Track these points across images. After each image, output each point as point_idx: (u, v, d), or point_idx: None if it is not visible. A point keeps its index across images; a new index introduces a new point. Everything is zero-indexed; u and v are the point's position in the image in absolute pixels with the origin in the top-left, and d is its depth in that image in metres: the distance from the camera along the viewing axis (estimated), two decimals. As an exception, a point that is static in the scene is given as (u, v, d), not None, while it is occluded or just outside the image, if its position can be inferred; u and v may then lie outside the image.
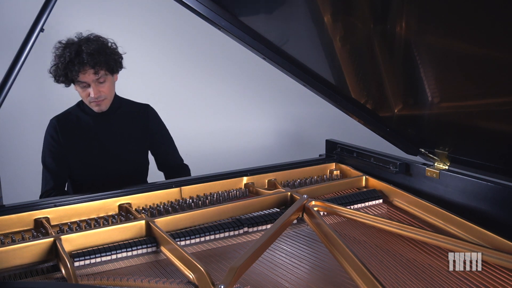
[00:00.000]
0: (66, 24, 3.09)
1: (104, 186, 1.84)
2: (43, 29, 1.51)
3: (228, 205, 1.68)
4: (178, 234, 1.53)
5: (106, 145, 2.09)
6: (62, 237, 1.43)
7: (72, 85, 2.01)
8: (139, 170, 2.18)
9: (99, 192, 1.76)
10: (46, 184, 2.07)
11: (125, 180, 1.99)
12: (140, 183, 2.00)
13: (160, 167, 2.28)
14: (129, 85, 2.69)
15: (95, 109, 2.03)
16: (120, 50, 2.04)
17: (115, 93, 2.10)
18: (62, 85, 2.02)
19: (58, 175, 2.06)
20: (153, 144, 2.21)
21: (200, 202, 1.79)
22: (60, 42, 1.98)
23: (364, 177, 1.93)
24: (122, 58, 2.04)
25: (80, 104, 2.11)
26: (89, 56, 1.91)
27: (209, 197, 1.82)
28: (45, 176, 2.08)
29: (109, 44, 2.01)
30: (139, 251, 1.46)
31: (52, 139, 2.05)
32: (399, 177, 1.89)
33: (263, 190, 1.85)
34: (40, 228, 1.59)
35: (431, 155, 1.80)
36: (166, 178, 2.26)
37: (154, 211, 1.70)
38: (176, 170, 2.25)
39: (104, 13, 3.26)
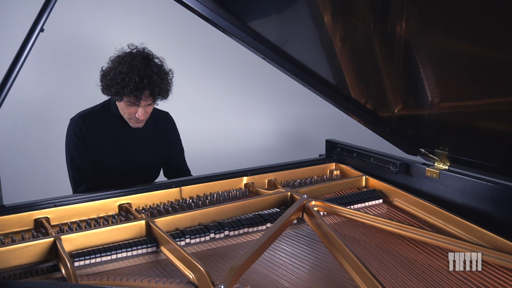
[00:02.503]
0: (66, 25, 3.09)
1: (114, 186, 1.84)
2: (43, 29, 1.51)
3: (228, 205, 1.68)
4: (178, 234, 1.53)
5: (129, 149, 2.09)
6: (62, 237, 1.43)
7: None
8: (153, 175, 2.19)
9: (100, 192, 1.76)
10: (77, 187, 2.04)
11: (137, 182, 1.99)
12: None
13: (166, 174, 2.29)
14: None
15: (133, 125, 2.04)
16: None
17: None
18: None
19: (88, 173, 2.05)
20: (167, 151, 2.22)
21: (200, 202, 1.79)
22: (119, 57, 1.94)
23: (364, 177, 1.93)
24: (172, 84, 2.03)
25: (106, 105, 2.10)
26: (156, 87, 1.91)
27: (209, 197, 1.82)
28: (74, 178, 2.05)
29: (168, 72, 2.01)
30: (139, 251, 1.46)
31: (77, 138, 2.03)
32: (399, 177, 1.89)
33: (263, 190, 1.85)
34: (40, 228, 1.59)
35: (431, 155, 1.80)
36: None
37: (154, 211, 1.71)
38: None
39: (104, 15, 3.26)
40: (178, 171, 2.25)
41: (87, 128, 2.03)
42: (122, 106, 1.98)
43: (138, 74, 1.88)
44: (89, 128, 2.04)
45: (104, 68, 1.97)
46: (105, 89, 1.95)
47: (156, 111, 2.20)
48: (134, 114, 1.97)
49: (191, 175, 2.29)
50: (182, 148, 2.30)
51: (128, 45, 1.98)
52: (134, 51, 1.97)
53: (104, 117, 2.08)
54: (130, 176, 2.08)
